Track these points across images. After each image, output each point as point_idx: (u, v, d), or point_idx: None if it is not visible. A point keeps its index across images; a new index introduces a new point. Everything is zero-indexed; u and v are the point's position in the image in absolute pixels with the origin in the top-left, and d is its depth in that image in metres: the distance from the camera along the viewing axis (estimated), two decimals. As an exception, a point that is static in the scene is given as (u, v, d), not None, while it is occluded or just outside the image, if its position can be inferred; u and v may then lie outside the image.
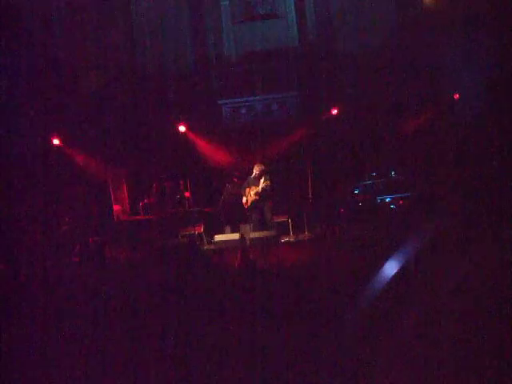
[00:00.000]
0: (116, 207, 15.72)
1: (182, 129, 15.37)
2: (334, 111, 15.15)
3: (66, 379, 4.22)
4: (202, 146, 15.67)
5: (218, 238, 12.90)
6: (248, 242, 12.44)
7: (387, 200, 13.97)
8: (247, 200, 12.95)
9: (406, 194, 13.86)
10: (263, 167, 12.96)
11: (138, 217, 15.18)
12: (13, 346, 4.50)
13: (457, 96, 15.08)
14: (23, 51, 15.06)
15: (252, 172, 13.02)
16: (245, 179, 13.27)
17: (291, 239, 13.09)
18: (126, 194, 16.27)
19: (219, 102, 16.11)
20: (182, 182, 14.94)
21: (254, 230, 12.87)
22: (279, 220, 13.38)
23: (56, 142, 15.34)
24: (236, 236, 12.76)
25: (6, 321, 4.89)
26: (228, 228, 13.75)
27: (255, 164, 13.07)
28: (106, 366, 4.24)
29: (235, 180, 14.00)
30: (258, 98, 16.09)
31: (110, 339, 4.55)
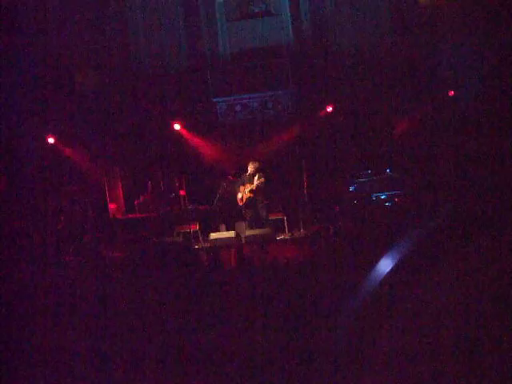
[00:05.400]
0: (111, 205, 15.70)
1: (176, 127, 15.37)
2: (330, 108, 15.16)
3: (64, 379, 4.22)
4: (197, 143, 15.67)
5: (214, 235, 12.90)
6: (243, 240, 12.47)
7: (382, 197, 14.00)
8: (242, 197, 12.96)
9: (401, 192, 13.89)
10: (258, 165, 12.96)
11: (133, 215, 15.17)
12: (10, 345, 4.49)
13: (452, 93, 15.10)
14: (18, 50, 15.01)
15: (247, 169, 13.03)
16: (240, 177, 13.27)
17: (286, 237, 13.11)
18: (121, 193, 16.25)
19: (214, 99, 16.08)
20: (177, 180, 14.92)
21: (250, 228, 12.89)
22: (274, 218, 13.40)
23: (51, 140, 15.33)
24: (231, 234, 12.79)
25: (1, 320, 4.88)
26: (223, 226, 13.76)
27: (250, 161, 13.07)
28: (105, 366, 4.23)
29: (230, 178, 14.00)
30: (253, 95, 16.05)
31: (107, 339, 4.55)
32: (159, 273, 5.04)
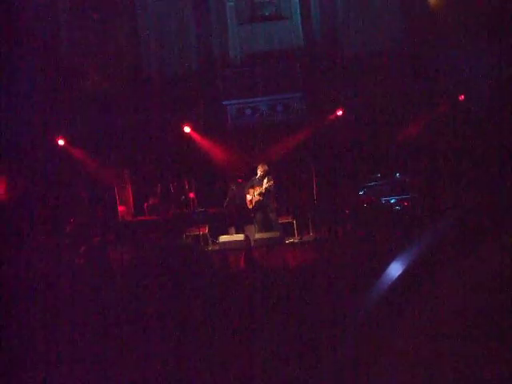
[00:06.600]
0: (121, 208, 15.72)
1: (186, 129, 15.39)
2: (339, 112, 15.14)
3: (65, 380, 4.23)
4: (207, 146, 15.68)
5: (223, 238, 12.90)
6: (252, 243, 12.45)
7: (392, 201, 13.95)
8: (251, 200, 12.94)
9: (410, 196, 13.84)
10: (267, 168, 12.95)
11: (142, 217, 15.19)
12: (14, 346, 4.51)
13: (462, 97, 15.05)
14: (28, 52, 15.09)
15: (256, 172, 13.02)
16: (249, 180, 13.26)
17: (296, 240, 13.08)
18: (131, 195, 16.28)
19: (224, 102, 16.10)
20: (186, 183, 14.93)
21: (259, 231, 12.87)
22: (284, 221, 13.38)
23: (61, 142, 15.39)
24: (240, 237, 12.77)
25: (8, 321, 4.90)
26: (232, 229, 13.75)
27: (259, 164, 13.06)
28: (106, 367, 4.24)
29: (240, 181, 13.99)
30: (262, 98, 16.06)
31: (110, 341, 4.56)
32: (168, 274, 5.05)
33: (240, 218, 13.65)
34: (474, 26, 14.09)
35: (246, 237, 12.77)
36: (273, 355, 3.95)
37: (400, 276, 1.44)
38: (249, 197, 12.98)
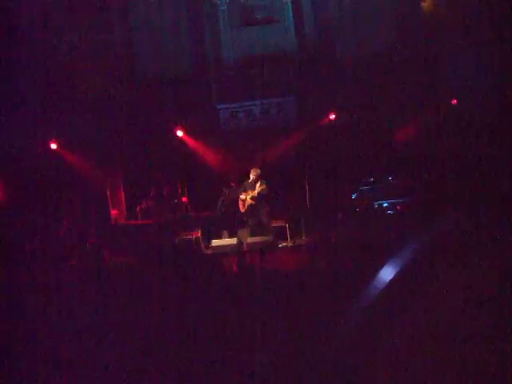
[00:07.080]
0: (113, 211, 15.69)
1: (179, 133, 15.37)
2: (332, 116, 15.16)
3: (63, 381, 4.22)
4: (200, 150, 15.66)
5: (216, 242, 12.89)
6: (245, 247, 12.45)
7: (385, 205, 13.97)
8: (244, 204, 12.94)
9: (403, 199, 13.86)
10: (260, 171, 12.95)
11: (135, 221, 15.16)
12: (11, 349, 4.49)
13: (455, 101, 15.08)
14: (21, 54, 15.05)
15: (249, 176, 13.01)
16: (242, 184, 13.26)
17: (289, 244, 13.07)
18: (124, 199, 16.24)
19: (217, 106, 16.09)
20: (179, 187, 14.91)
21: (252, 235, 12.86)
22: (277, 225, 13.36)
23: (53, 146, 15.34)
24: (233, 241, 12.77)
25: (3, 324, 4.88)
26: (225, 233, 13.73)
27: (252, 168, 13.06)
28: (104, 368, 4.23)
29: (233, 185, 13.98)
30: (256, 102, 16.04)
31: (108, 343, 4.55)
32: (164, 275, 5.05)
33: (233, 221, 13.64)
34: (471, 28, 14.13)
35: (239, 241, 12.76)
36: (271, 356, 3.94)
37: (397, 277, 1.44)
38: (241, 201, 12.98)
